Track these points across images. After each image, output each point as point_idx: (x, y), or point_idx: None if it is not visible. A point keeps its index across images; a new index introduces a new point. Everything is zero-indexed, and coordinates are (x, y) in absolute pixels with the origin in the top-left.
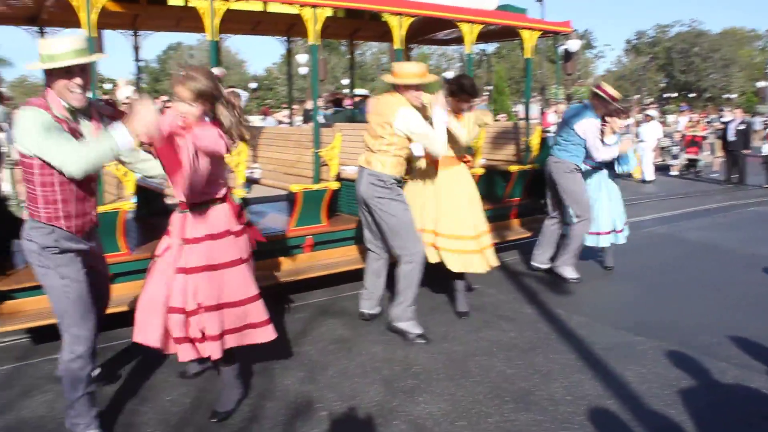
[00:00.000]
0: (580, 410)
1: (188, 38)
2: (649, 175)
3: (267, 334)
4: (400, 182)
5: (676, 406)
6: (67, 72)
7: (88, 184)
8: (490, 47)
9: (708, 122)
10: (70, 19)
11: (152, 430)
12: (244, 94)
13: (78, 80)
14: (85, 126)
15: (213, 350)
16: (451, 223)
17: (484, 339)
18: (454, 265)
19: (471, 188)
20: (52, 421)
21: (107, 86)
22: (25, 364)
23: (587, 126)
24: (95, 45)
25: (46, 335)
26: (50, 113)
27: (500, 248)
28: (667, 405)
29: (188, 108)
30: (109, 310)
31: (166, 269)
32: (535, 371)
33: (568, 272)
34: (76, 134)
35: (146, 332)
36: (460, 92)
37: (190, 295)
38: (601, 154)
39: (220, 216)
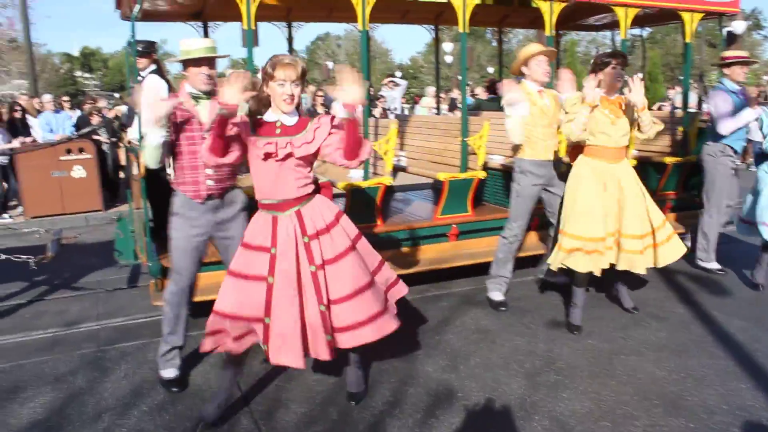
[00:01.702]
0: (738, 422)
1: (336, 28)
2: None
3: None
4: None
5: None
6: (197, 63)
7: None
8: (644, 32)
9: None
10: (230, 13)
11: (297, 407)
12: (403, 83)
13: (205, 70)
14: (204, 106)
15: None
16: (638, 222)
17: (632, 338)
18: (642, 266)
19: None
20: (209, 390)
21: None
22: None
23: (713, 98)
24: (253, 37)
25: (203, 310)
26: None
27: None
28: None
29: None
30: None
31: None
32: (687, 375)
33: (709, 264)
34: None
35: (288, 355)
36: (613, 57)
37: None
38: (725, 125)
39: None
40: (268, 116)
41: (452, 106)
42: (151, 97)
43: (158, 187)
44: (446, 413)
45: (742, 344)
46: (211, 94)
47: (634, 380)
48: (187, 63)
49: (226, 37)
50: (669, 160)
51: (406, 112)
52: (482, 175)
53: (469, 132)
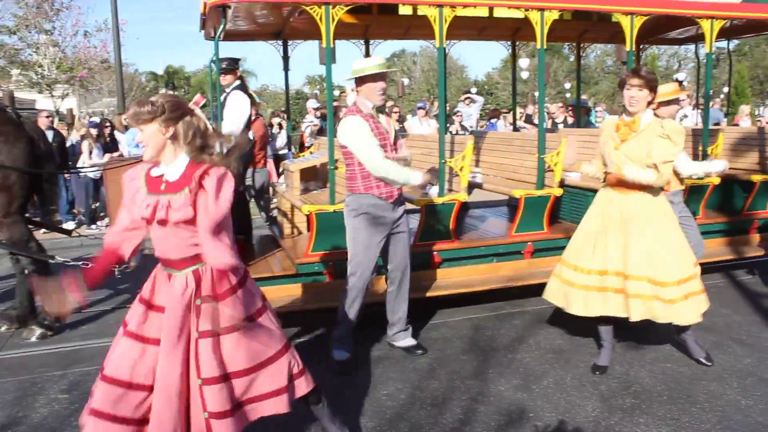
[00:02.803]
0: None
1: (412, 45)
2: None
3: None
4: None
5: None
6: (374, 79)
7: None
8: (731, 44)
9: None
10: (310, 32)
11: (368, 421)
12: (480, 99)
13: (381, 85)
14: (382, 119)
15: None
16: (646, 264)
17: (715, 363)
18: (665, 316)
19: (668, 218)
20: None
21: (336, 92)
22: None
23: None
24: (332, 55)
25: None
26: (360, 114)
27: (737, 265)
28: None
29: None
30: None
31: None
32: None
33: None
34: (380, 129)
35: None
36: (627, 78)
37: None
38: None
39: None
40: (155, 169)
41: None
42: (238, 110)
43: (236, 201)
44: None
45: None
46: (382, 110)
47: (717, 408)
48: (363, 80)
49: (306, 54)
50: (756, 177)
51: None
52: (558, 192)
53: (546, 149)
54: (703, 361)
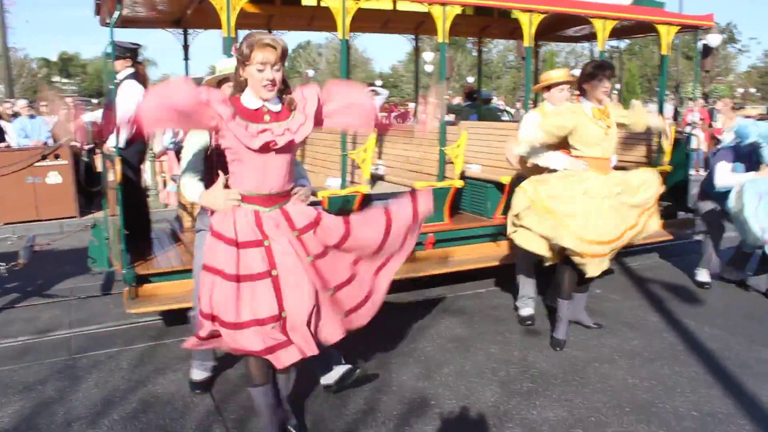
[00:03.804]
0: (707, 428)
1: (317, 37)
2: None
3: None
4: None
5: None
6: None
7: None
8: (622, 44)
9: None
10: (210, 21)
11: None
12: (384, 92)
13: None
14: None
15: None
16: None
17: (606, 346)
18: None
19: None
20: (181, 399)
21: None
22: (159, 344)
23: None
24: (233, 46)
25: (177, 318)
26: None
27: (626, 252)
28: None
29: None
30: None
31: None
32: (659, 383)
33: (700, 275)
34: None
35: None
36: (600, 70)
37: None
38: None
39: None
40: (248, 101)
41: None
42: (131, 101)
43: (133, 194)
44: (420, 422)
45: (712, 352)
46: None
47: (607, 388)
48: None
49: (210, 44)
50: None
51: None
52: (459, 184)
53: (446, 141)
54: (594, 325)
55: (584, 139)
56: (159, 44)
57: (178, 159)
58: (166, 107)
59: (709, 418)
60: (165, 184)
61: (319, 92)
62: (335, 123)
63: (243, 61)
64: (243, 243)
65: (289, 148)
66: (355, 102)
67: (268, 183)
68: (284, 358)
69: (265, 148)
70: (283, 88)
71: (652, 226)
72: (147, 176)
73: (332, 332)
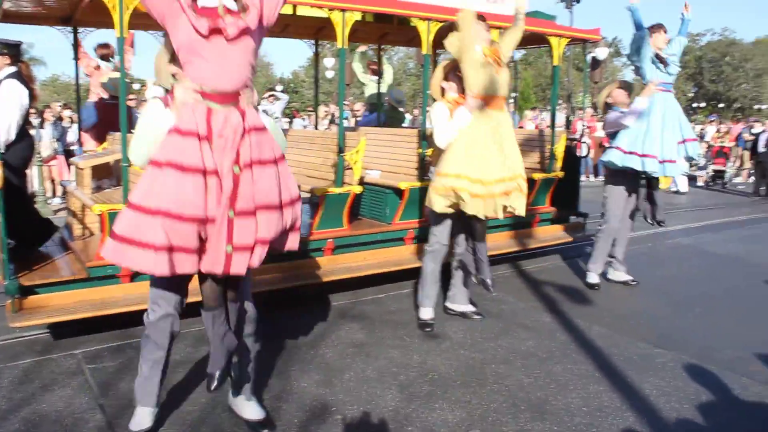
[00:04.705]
0: (596, 422)
1: None
2: (683, 186)
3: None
4: None
5: (695, 422)
6: None
7: None
8: (517, 54)
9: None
10: (102, 20)
11: (167, 429)
12: (284, 97)
13: None
14: None
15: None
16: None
17: (502, 347)
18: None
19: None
20: (70, 416)
21: (136, 86)
22: (45, 359)
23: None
24: (130, 45)
25: (66, 330)
26: None
27: (521, 256)
28: (686, 420)
29: None
30: None
31: None
32: (552, 381)
33: (589, 277)
34: None
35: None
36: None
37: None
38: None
39: None
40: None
41: (332, 121)
42: (10, 101)
43: (17, 201)
44: (321, 429)
45: (601, 349)
46: None
47: (503, 388)
48: None
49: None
50: (537, 176)
51: (286, 126)
52: (358, 189)
53: (345, 147)
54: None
55: (478, 81)
56: (49, 43)
57: (68, 163)
58: None
59: (598, 413)
60: (55, 191)
61: None
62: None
63: None
64: (183, 131)
65: (245, 39)
66: None
67: (222, 75)
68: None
69: (217, 32)
70: None
71: (518, 204)
72: (35, 182)
73: (216, 264)
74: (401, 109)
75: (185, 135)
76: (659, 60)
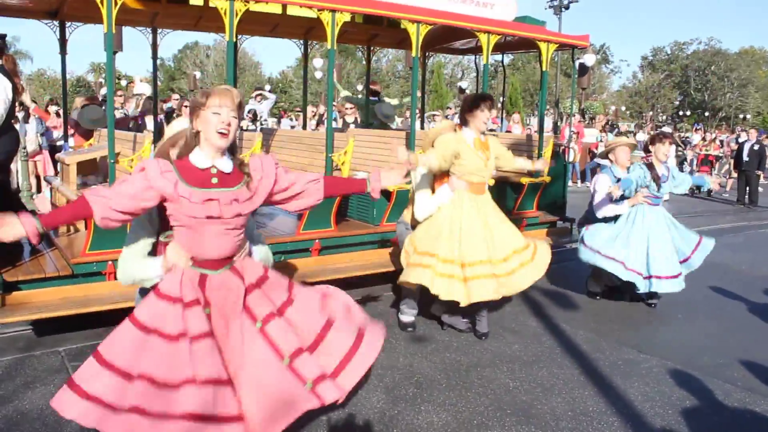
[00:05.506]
0: (581, 426)
1: (205, 38)
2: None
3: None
4: None
5: (678, 427)
6: None
7: None
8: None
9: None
10: (90, 15)
11: None
12: (272, 96)
13: None
14: None
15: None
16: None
17: (488, 350)
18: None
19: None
20: (52, 414)
21: (123, 82)
22: (28, 356)
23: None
24: (114, 41)
25: (49, 327)
26: None
27: None
28: (669, 425)
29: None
30: None
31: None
32: (537, 385)
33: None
34: None
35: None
36: (481, 101)
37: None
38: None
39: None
40: (198, 159)
41: (320, 122)
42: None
43: (2, 196)
44: (306, 430)
45: (587, 354)
46: None
47: (489, 391)
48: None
49: (91, 39)
50: (525, 180)
51: (274, 126)
52: None
53: (334, 148)
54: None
55: (465, 167)
56: (35, 37)
57: (53, 159)
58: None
59: (583, 417)
60: (40, 188)
61: (277, 169)
62: (285, 204)
63: (197, 107)
64: (188, 302)
65: (240, 218)
66: (306, 189)
67: (215, 248)
68: None
69: (210, 219)
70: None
71: (525, 281)
72: (19, 177)
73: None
74: (390, 124)
75: (163, 299)
76: (654, 181)
